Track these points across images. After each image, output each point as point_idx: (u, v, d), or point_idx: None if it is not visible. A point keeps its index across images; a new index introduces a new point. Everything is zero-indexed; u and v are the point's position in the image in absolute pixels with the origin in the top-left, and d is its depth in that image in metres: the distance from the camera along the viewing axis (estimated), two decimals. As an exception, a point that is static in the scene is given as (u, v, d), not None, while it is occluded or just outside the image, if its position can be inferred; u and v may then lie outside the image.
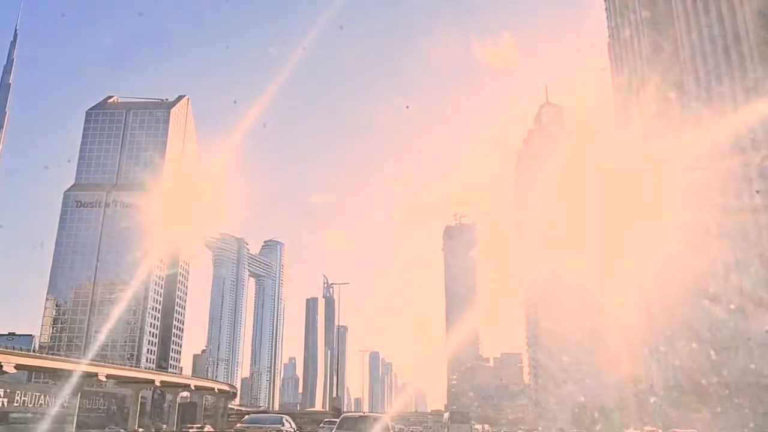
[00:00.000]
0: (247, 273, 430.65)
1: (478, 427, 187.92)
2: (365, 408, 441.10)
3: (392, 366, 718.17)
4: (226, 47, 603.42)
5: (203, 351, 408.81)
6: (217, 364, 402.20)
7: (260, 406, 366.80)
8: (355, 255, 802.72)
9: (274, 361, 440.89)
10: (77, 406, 75.97)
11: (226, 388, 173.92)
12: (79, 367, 76.71)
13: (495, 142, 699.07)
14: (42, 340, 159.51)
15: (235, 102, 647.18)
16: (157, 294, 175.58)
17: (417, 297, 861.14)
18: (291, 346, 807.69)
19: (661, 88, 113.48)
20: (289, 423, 26.53)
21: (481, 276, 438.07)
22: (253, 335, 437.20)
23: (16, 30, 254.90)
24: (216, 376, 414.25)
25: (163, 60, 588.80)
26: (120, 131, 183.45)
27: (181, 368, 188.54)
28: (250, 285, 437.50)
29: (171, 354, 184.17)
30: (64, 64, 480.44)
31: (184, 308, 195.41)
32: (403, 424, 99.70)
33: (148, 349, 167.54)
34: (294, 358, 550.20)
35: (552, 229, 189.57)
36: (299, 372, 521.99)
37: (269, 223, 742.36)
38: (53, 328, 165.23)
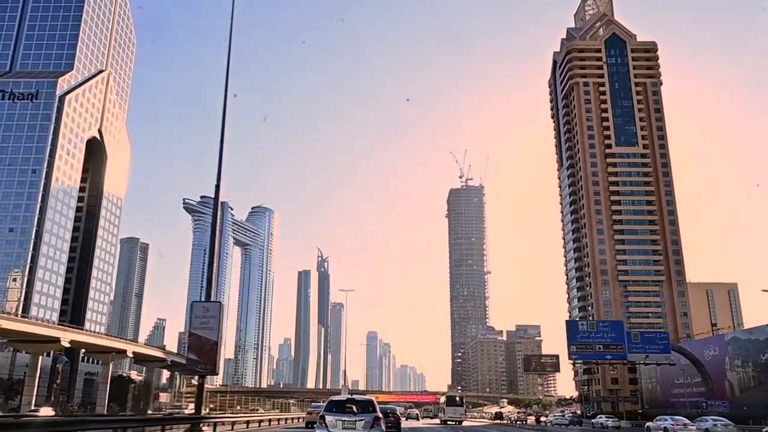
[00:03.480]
0: (232, 241, 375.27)
1: (508, 407, 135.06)
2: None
3: (391, 347, 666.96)
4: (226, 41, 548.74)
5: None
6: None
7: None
8: (351, 228, 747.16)
9: (262, 338, 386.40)
10: None
11: (155, 354, 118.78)
12: None
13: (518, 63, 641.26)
14: None
15: (235, 95, 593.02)
16: (63, 225, 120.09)
17: (418, 271, 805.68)
18: (281, 323, 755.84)
19: None
20: None
21: (490, 242, 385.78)
22: (238, 309, 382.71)
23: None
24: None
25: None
26: (18, 4, 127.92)
27: (102, 326, 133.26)
28: (235, 254, 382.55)
29: (91, 310, 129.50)
30: None
31: (113, 254, 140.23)
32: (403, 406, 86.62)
33: (43, 300, 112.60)
34: (290, 339, 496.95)
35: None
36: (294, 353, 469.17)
37: (258, 189, 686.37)
38: None
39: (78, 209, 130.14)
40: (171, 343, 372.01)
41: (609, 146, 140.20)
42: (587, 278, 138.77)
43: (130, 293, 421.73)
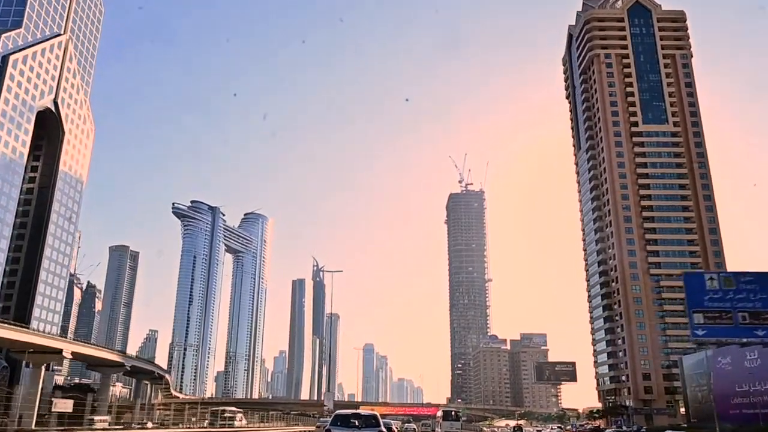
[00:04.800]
0: (223, 247, 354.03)
1: (519, 421, 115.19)
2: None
3: (387, 360, 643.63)
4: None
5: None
6: (185, 350, 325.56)
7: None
8: (347, 237, 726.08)
9: (253, 349, 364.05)
10: None
11: (105, 357, 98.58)
12: None
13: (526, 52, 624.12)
14: None
15: (235, 94, 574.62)
16: (4, 206, 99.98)
17: (416, 280, 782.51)
18: (275, 334, 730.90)
19: None
20: None
21: (491, 249, 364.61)
22: (229, 319, 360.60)
23: None
24: (183, 365, 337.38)
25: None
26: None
27: (55, 326, 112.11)
28: (226, 261, 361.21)
29: (41, 308, 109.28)
30: None
31: (71, 244, 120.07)
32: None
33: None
34: (284, 351, 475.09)
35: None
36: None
37: (252, 196, 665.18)
38: None
39: (28, 191, 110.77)
40: (162, 355, 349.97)
41: (635, 124, 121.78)
42: (612, 272, 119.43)
43: (118, 303, 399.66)
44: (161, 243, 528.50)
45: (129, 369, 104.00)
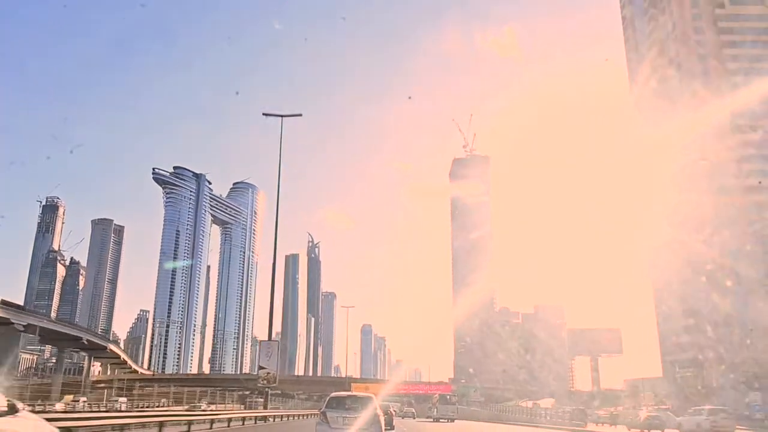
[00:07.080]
0: (210, 218, 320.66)
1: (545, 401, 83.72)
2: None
3: (386, 341, 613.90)
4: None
5: (163, 317, 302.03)
6: (167, 327, 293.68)
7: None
8: (341, 210, 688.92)
9: (243, 325, 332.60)
10: None
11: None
12: None
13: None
14: None
15: (237, 93, 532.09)
16: None
17: (415, 260, 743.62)
18: (267, 313, 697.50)
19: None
20: None
21: (499, 219, 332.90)
22: (217, 294, 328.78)
23: None
24: (167, 345, 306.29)
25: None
26: None
27: None
28: (213, 233, 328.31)
29: None
30: None
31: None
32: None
33: None
34: (279, 333, 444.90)
35: None
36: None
37: (240, 167, 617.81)
38: None
39: None
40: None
41: (721, 5, 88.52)
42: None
43: (102, 280, 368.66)
44: (147, 216, 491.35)
45: (23, 329, 71.00)
